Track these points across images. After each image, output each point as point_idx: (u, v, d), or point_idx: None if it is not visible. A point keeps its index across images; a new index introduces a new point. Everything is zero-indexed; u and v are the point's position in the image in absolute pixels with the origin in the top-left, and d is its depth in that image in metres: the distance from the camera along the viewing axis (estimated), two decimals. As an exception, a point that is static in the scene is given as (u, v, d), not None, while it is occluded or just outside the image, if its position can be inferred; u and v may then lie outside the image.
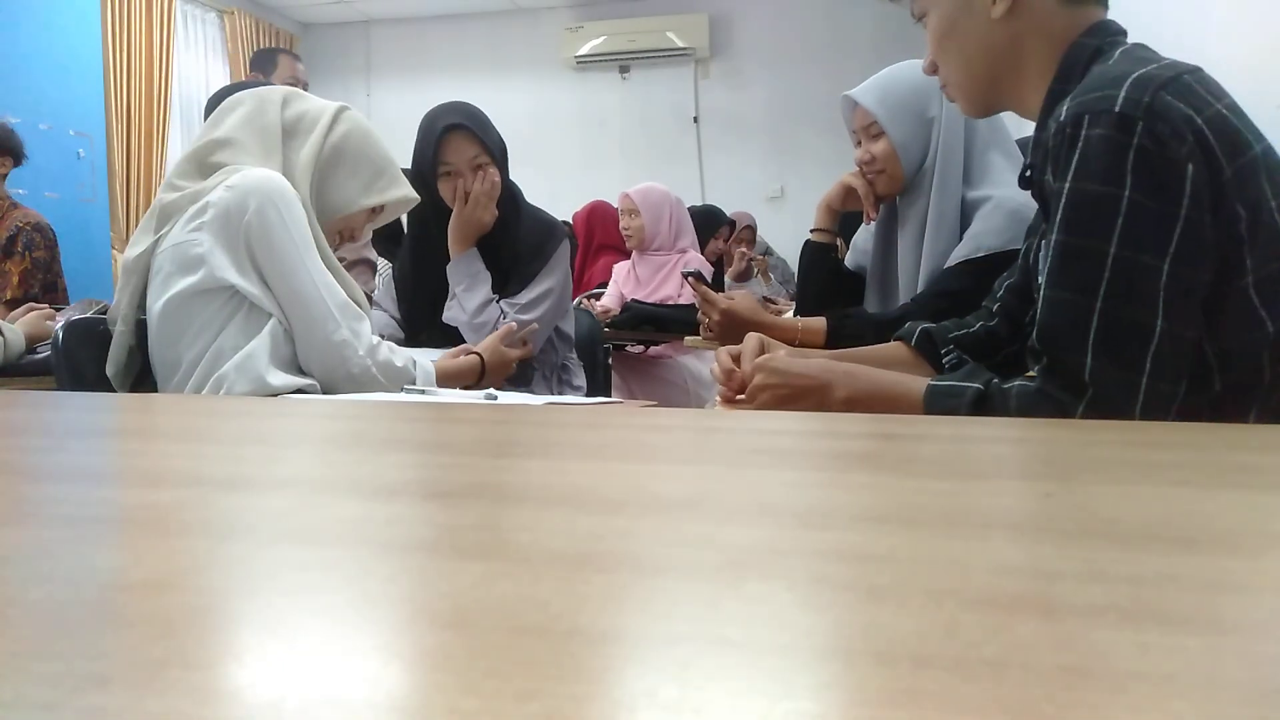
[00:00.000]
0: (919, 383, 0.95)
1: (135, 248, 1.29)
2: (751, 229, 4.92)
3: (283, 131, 1.34)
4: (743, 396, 1.07)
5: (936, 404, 0.92)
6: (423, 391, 1.17)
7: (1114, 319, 0.83)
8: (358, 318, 1.29)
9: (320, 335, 1.25)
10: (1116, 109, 0.83)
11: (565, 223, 1.98)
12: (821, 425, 0.73)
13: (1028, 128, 1.73)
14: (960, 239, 1.53)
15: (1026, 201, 1.52)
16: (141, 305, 1.29)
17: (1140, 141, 0.82)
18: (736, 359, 1.15)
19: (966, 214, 1.54)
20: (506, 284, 1.86)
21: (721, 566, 0.30)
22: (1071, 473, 0.50)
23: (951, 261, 1.52)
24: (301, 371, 1.26)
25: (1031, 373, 0.90)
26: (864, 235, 1.82)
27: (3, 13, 4.21)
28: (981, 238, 1.49)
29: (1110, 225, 0.83)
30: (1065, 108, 0.88)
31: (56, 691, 0.21)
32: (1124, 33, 0.98)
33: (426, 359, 1.42)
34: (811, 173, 6.02)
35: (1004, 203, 1.50)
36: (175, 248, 1.23)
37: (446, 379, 1.47)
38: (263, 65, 3.33)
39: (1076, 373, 0.84)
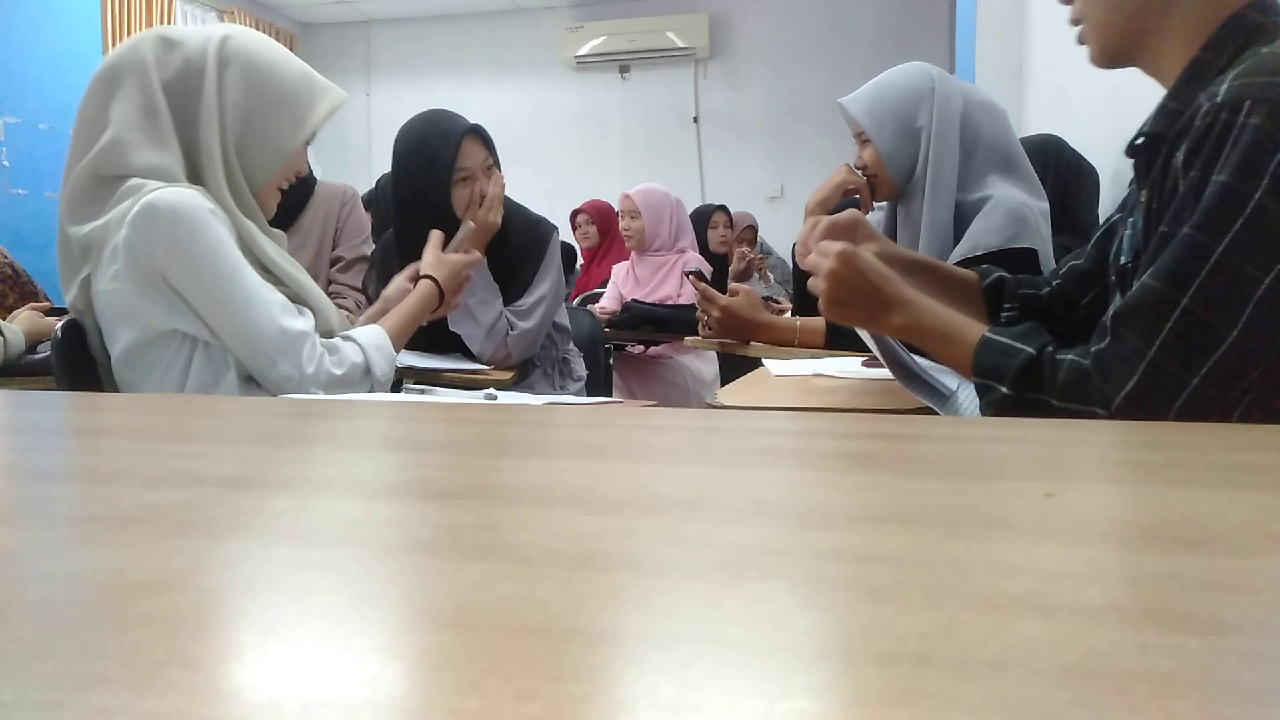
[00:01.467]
0: (976, 330, 0.91)
1: (66, 284, 1.18)
2: (753, 229, 4.92)
3: (170, 109, 1.17)
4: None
5: (986, 358, 0.88)
6: (422, 391, 1.17)
7: (1193, 319, 0.79)
8: (296, 339, 1.17)
9: (263, 372, 1.16)
10: None
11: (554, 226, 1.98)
12: (822, 425, 0.73)
13: (1028, 129, 1.70)
14: (956, 240, 1.54)
15: (1026, 200, 1.53)
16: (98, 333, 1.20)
17: None
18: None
19: (966, 215, 1.55)
20: (505, 286, 1.86)
21: (721, 566, 0.30)
22: (1071, 473, 0.50)
23: (951, 261, 1.52)
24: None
25: (1090, 350, 0.86)
26: None
27: (3, 13, 4.21)
28: (981, 236, 1.49)
29: (1229, 223, 0.77)
30: (1225, 88, 0.81)
31: (56, 691, 0.21)
32: None
33: (369, 333, 1.29)
34: (811, 173, 6.02)
35: (1003, 202, 1.51)
36: (107, 294, 1.14)
37: (405, 328, 1.36)
38: None
39: (1134, 358, 0.81)
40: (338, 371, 1.20)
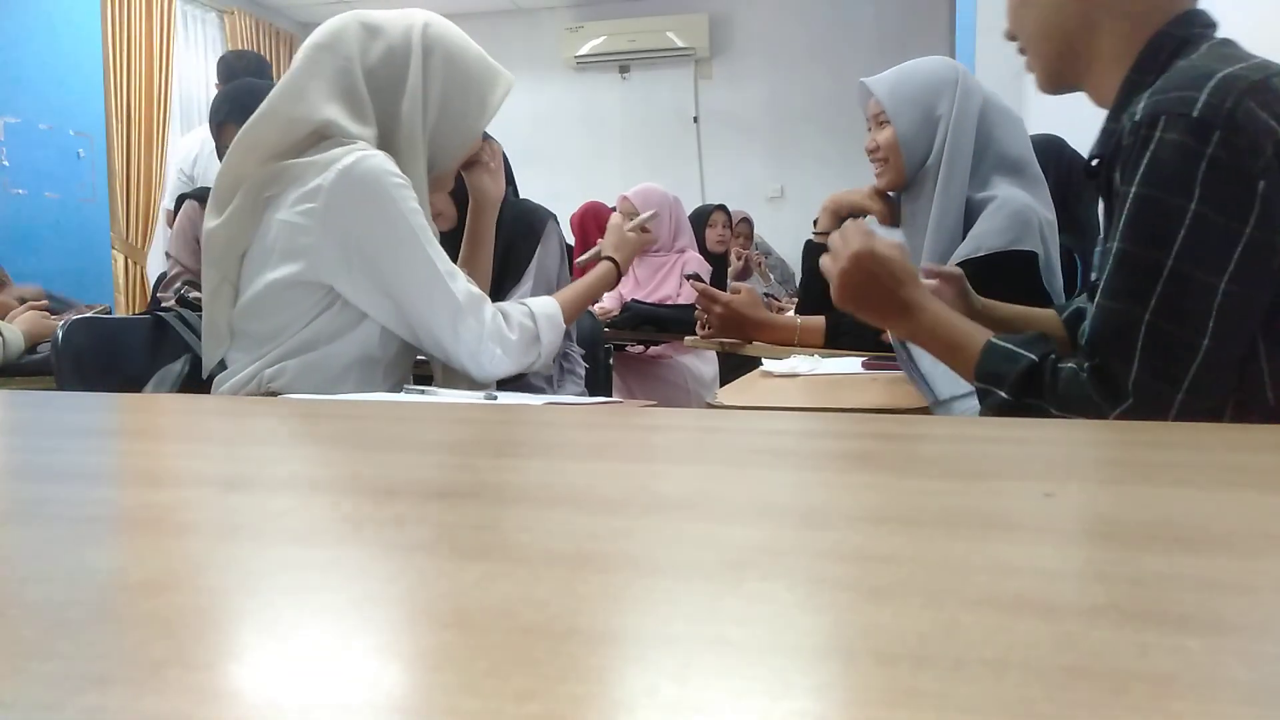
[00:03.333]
0: (983, 336, 0.92)
1: (225, 224, 1.17)
2: (747, 222, 4.92)
3: (371, 94, 1.18)
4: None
5: (989, 363, 0.90)
6: (422, 391, 1.17)
7: (1161, 332, 0.81)
8: (478, 299, 1.18)
9: (445, 330, 1.16)
10: (1195, 114, 0.79)
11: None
12: (822, 425, 0.73)
13: (1028, 129, 1.71)
14: (963, 239, 1.54)
15: (1031, 203, 1.53)
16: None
17: (1215, 151, 0.78)
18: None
19: (972, 214, 1.55)
20: (500, 274, 1.85)
21: (721, 566, 0.30)
22: (1071, 473, 0.50)
23: (953, 261, 1.52)
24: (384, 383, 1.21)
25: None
26: None
27: (3, 13, 4.21)
28: (983, 238, 1.49)
29: (1171, 237, 0.79)
30: (1142, 105, 0.84)
31: (56, 691, 0.21)
32: (1214, 25, 0.93)
33: (542, 302, 1.30)
34: (811, 173, 6.02)
35: (1008, 203, 1.51)
36: (285, 225, 1.13)
37: (579, 303, 1.37)
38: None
39: (1120, 380, 0.82)
40: (512, 336, 1.21)
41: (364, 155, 1.11)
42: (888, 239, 1.00)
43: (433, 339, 1.18)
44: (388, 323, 1.18)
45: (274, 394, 1.15)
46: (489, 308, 1.20)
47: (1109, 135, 0.93)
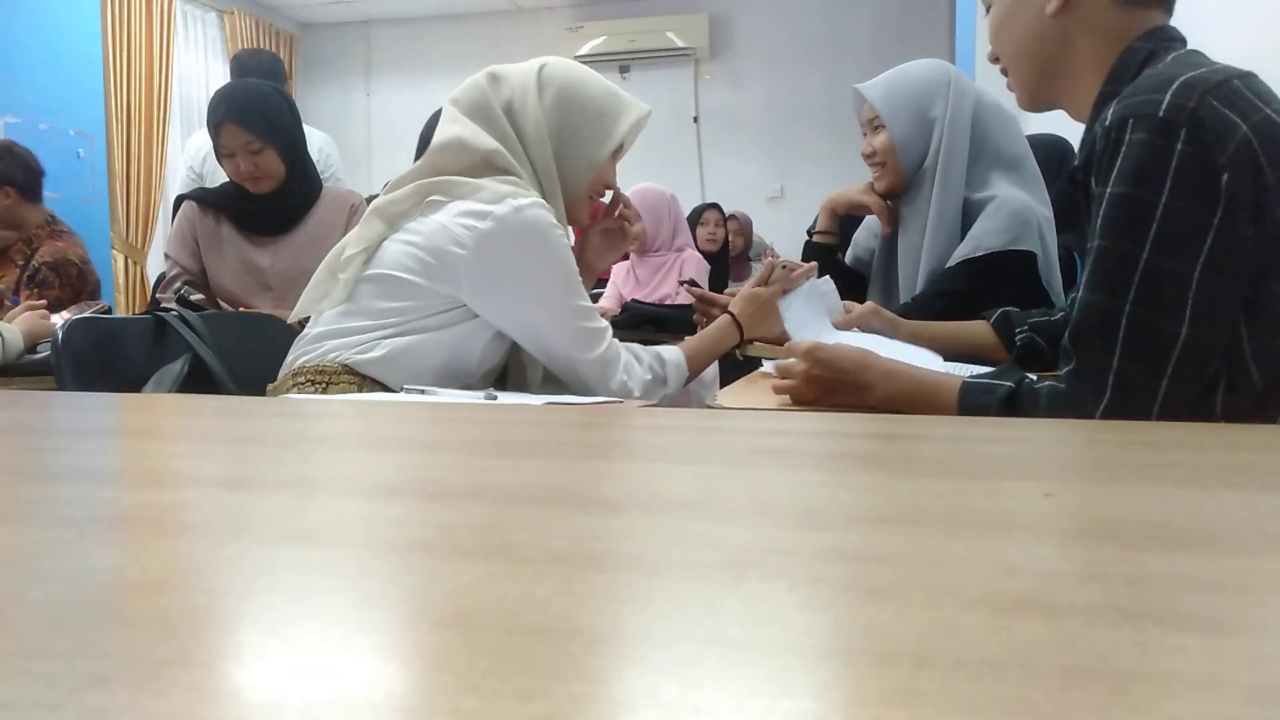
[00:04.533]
0: (955, 381, 0.97)
1: (388, 204, 1.25)
2: (736, 219, 4.91)
3: (513, 130, 1.28)
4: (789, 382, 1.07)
5: (969, 401, 0.93)
6: (422, 391, 1.17)
7: (1141, 324, 0.84)
8: (618, 351, 1.26)
9: (575, 367, 1.24)
10: (1160, 114, 0.83)
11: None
12: (821, 425, 0.73)
13: (1028, 129, 1.71)
14: (962, 239, 1.54)
15: (1029, 202, 1.53)
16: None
17: (1182, 147, 0.82)
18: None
19: (970, 214, 1.55)
20: None
21: (721, 566, 0.30)
22: (1071, 473, 0.50)
23: (953, 261, 1.52)
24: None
25: (1060, 375, 0.91)
26: (865, 234, 1.83)
27: (3, 13, 4.21)
28: (982, 237, 1.49)
29: (1145, 231, 0.83)
30: (1111, 111, 0.88)
31: (56, 691, 0.21)
32: (1182, 40, 0.98)
33: (672, 351, 1.35)
34: (811, 173, 6.02)
35: (1007, 203, 1.51)
36: (443, 230, 1.19)
37: (701, 358, 1.41)
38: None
39: (1101, 374, 0.85)
40: (645, 376, 1.29)
41: (535, 203, 1.20)
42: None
43: (569, 366, 1.25)
44: (521, 341, 1.25)
45: (348, 368, 1.18)
46: (623, 352, 1.28)
47: (1084, 146, 0.97)
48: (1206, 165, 0.82)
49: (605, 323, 1.26)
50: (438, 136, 1.29)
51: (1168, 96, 0.84)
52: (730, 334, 1.47)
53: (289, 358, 1.26)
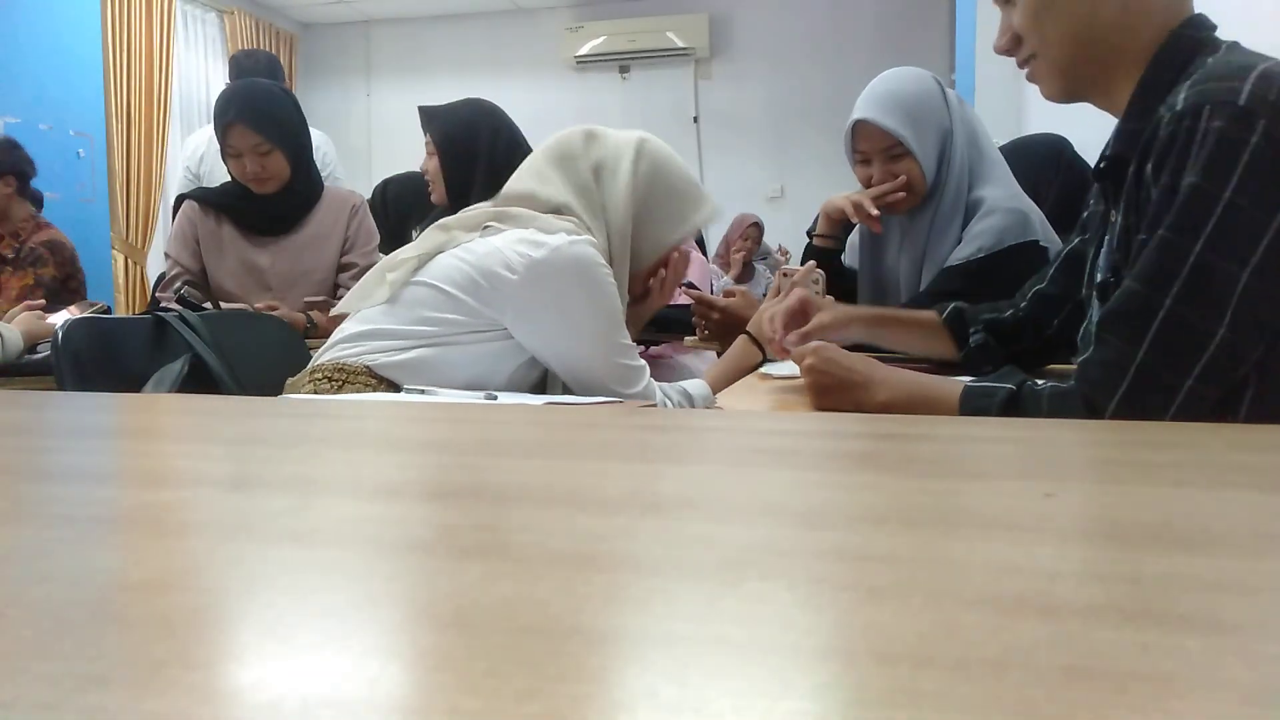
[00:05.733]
0: (957, 386, 0.95)
1: (449, 223, 1.27)
2: (758, 227, 4.91)
3: (595, 184, 1.31)
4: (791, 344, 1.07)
5: (971, 403, 0.92)
6: (422, 391, 1.17)
7: (1178, 320, 0.81)
8: (642, 378, 1.27)
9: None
10: (1241, 102, 0.80)
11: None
12: (822, 425, 0.73)
13: (1028, 128, 1.71)
14: (960, 240, 1.54)
15: (1025, 200, 1.53)
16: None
17: (1257, 140, 0.79)
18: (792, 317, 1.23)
19: (967, 215, 1.55)
20: None
21: (721, 566, 0.30)
22: (1071, 473, 0.50)
23: (955, 261, 1.52)
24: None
25: (1076, 363, 0.90)
26: (860, 236, 1.83)
27: (3, 13, 4.21)
28: (980, 238, 1.50)
29: (1202, 224, 0.80)
30: (1182, 98, 0.84)
31: (56, 691, 0.21)
32: (1215, 27, 0.95)
33: (696, 385, 1.36)
34: (811, 173, 6.02)
35: (1001, 203, 1.51)
36: (496, 252, 1.19)
37: (725, 380, 1.42)
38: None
39: (1123, 363, 0.83)
40: (668, 404, 1.31)
41: (587, 240, 1.22)
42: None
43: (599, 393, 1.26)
44: (559, 370, 1.25)
45: (370, 370, 1.18)
46: (658, 391, 1.29)
47: (1130, 134, 0.93)
48: (1278, 162, 0.78)
49: (644, 363, 1.27)
50: (512, 183, 1.32)
51: (1248, 85, 0.80)
52: (751, 354, 1.48)
53: (320, 352, 1.26)
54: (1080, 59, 0.99)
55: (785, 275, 1.52)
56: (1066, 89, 1.02)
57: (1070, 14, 0.97)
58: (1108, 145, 0.98)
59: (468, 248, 1.23)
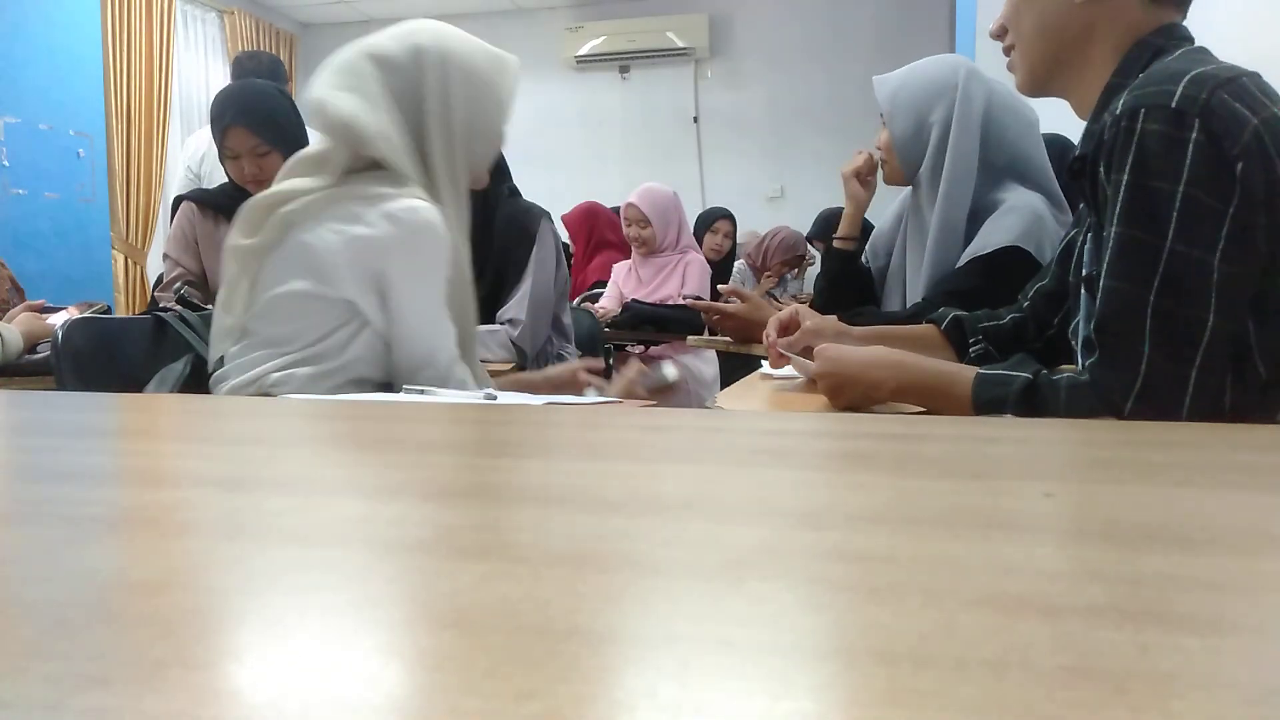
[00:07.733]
0: (968, 372, 0.96)
1: (249, 239, 1.23)
2: (801, 257, 4.82)
3: (403, 115, 1.24)
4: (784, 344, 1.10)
5: (985, 392, 0.92)
6: (422, 391, 1.17)
7: (1166, 314, 0.84)
8: (456, 371, 1.25)
9: (416, 368, 1.23)
10: (1173, 104, 0.84)
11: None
12: (822, 425, 0.73)
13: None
14: (968, 242, 1.54)
15: (1037, 205, 1.53)
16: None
17: (1196, 136, 0.83)
18: (784, 328, 1.25)
19: (982, 218, 1.55)
20: (499, 282, 1.85)
21: (721, 566, 0.30)
22: (1071, 473, 0.50)
23: (962, 260, 1.53)
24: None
25: (1082, 367, 0.91)
26: (881, 235, 1.84)
27: (3, 13, 4.21)
28: (990, 235, 1.50)
29: (1166, 219, 0.84)
30: (1121, 101, 0.89)
31: (56, 691, 0.21)
32: (1191, 39, 0.98)
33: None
34: (811, 173, 6.02)
35: (1015, 204, 1.51)
36: (336, 239, 1.17)
37: (526, 389, 1.41)
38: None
39: (1132, 362, 0.85)
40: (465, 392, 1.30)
41: (418, 206, 1.18)
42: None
43: (410, 365, 1.23)
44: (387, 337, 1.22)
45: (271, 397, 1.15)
46: (463, 370, 1.26)
47: (1091, 135, 0.97)
48: (1220, 155, 0.82)
49: (456, 351, 1.26)
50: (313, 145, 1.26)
51: (1180, 88, 0.85)
52: (569, 379, 1.46)
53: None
54: (1049, 55, 1.04)
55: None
56: (1034, 82, 1.07)
57: (1043, 10, 1.02)
58: (1080, 144, 1.02)
59: (288, 248, 1.20)
